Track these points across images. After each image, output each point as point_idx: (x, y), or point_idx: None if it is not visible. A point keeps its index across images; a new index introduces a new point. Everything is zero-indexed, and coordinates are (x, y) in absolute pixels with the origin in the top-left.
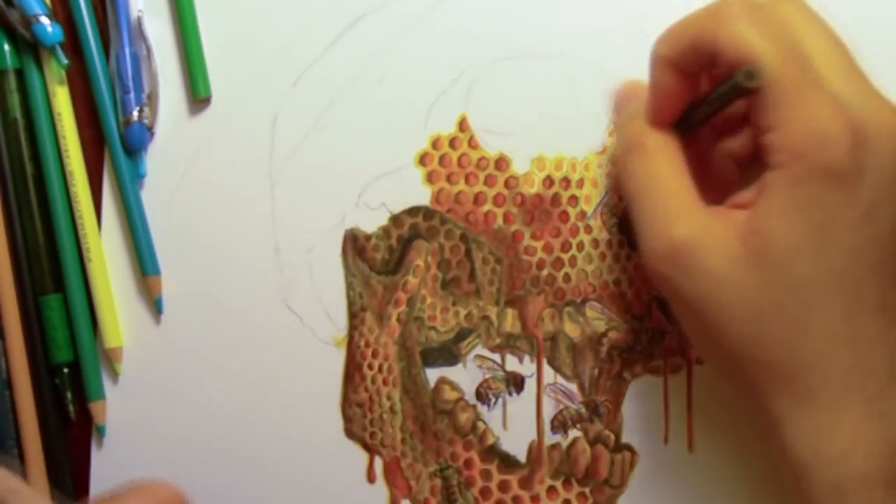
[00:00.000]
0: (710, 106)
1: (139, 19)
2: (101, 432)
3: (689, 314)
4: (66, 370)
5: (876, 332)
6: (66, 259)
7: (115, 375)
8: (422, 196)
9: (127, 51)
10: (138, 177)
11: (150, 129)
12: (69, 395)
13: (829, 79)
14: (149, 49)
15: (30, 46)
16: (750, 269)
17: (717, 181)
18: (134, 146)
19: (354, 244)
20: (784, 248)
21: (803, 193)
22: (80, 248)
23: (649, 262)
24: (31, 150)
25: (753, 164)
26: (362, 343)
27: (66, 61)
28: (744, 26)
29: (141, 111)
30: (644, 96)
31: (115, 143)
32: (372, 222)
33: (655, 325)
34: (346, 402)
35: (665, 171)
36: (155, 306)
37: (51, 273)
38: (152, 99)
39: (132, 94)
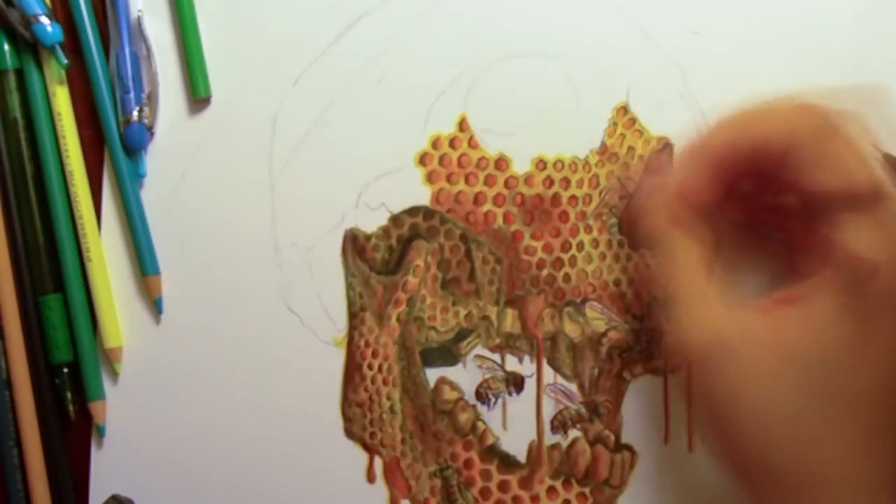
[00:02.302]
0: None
1: (139, 19)
2: (100, 432)
3: (711, 408)
4: (65, 370)
5: (889, 450)
6: (66, 259)
7: (114, 375)
8: (422, 196)
9: (127, 51)
10: (138, 177)
11: (149, 129)
12: (69, 394)
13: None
14: (148, 49)
15: (30, 46)
16: (779, 376)
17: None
18: (134, 146)
19: (354, 244)
20: (815, 360)
21: (846, 307)
22: (80, 247)
23: (684, 351)
24: (30, 150)
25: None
26: (362, 343)
27: (65, 61)
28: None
29: (141, 111)
30: (667, 188)
31: (115, 143)
32: (372, 222)
33: (655, 325)
34: (346, 402)
35: (692, 263)
36: (155, 306)
37: (50, 273)
38: (152, 99)
39: (132, 94)
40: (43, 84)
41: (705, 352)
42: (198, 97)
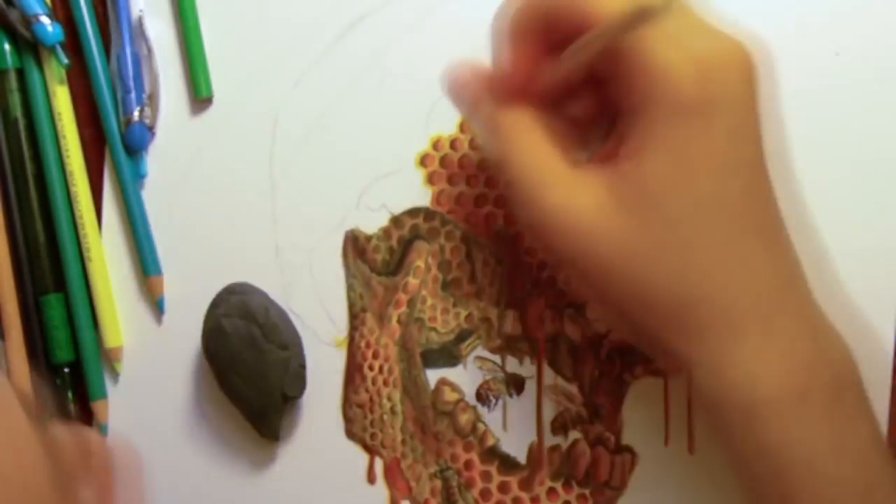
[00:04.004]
0: (579, 55)
1: (140, 19)
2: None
3: (577, 277)
4: (66, 370)
5: (758, 253)
6: (67, 258)
7: (115, 375)
8: (422, 197)
9: (128, 50)
10: (139, 177)
11: (150, 129)
12: (70, 394)
13: (667, 20)
14: (150, 49)
15: (30, 46)
16: (623, 216)
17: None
18: (135, 146)
19: (355, 245)
20: (653, 187)
21: (661, 131)
22: (81, 247)
23: (530, 237)
24: (31, 150)
25: (598, 125)
26: (363, 344)
27: (66, 61)
28: None
29: (142, 111)
30: (477, 76)
31: (116, 143)
32: (373, 223)
33: None
34: (347, 403)
35: (525, 146)
36: (157, 307)
37: (51, 272)
38: (153, 99)
39: (133, 94)
40: (43, 84)
41: (544, 225)
42: (199, 97)
